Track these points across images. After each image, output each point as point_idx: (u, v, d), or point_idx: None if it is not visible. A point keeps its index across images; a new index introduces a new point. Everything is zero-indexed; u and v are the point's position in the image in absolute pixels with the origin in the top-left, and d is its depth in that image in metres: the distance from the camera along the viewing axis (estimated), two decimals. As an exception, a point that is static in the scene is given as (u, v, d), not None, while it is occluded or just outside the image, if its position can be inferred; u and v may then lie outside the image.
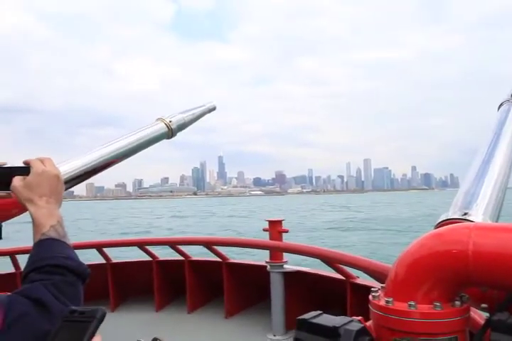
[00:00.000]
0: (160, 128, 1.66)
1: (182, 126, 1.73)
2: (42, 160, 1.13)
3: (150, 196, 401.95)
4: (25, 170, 1.10)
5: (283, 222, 3.73)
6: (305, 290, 3.76)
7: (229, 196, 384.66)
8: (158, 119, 1.69)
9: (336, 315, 0.87)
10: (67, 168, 1.32)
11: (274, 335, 3.64)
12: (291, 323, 3.63)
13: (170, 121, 1.68)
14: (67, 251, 1.04)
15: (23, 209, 1.09)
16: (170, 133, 1.69)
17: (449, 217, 1.04)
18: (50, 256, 1.00)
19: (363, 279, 3.19)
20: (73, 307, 0.81)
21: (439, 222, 1.04)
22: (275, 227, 3.68)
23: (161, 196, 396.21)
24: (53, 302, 0.91)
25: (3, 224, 1.29)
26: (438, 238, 0.84)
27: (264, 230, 3.72)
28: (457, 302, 0.80)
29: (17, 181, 1.09)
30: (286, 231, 3.67)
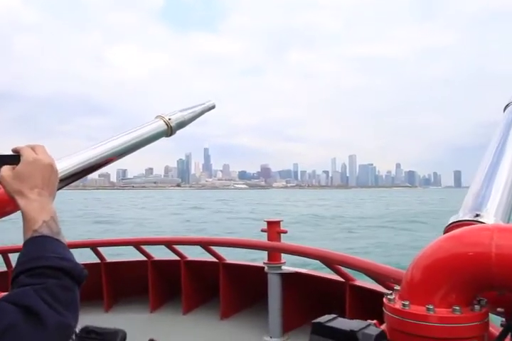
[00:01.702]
0: (159, 125, 1.63)
1: (181, 124, 1.71)
2: (33, 148, 1.01)
3: (133, 187, 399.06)
4: (14, 158, 0.99)
5: (281, 222, 3.67)
6: (303, 292, 3.71)
7: (213, 189, 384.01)
8: (157, 117, 1.66)
9: None
10: (65, 164, 1.27)
11: (271, 337, 3.60)
12: (288, 325, 3.61)
13: (169, 119, 1.65)
14: (62, 251, 0.91)
15: (18, 206, 0.97)
16: (169, 131, 1.66)
17: (459, 219, 1.01)
18: (43, 256, 0.87)
19: (363, 281, 3.16)
20: (90, 327, 0.73)
21: (449, 224, 1.02)
22: (273, 228, 3.62)
23: (144, 187, 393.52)
24: (46, 310, 0.78)
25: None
26: (458, 240, 0.81)
27: (262, 230, 3.66)
28: (476, 307, 0.78)
29: (5, 171, 0.98)
30: (285, 232, 3.62)
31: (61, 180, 1.14)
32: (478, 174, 1.19)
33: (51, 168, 1.01)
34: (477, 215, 1.01)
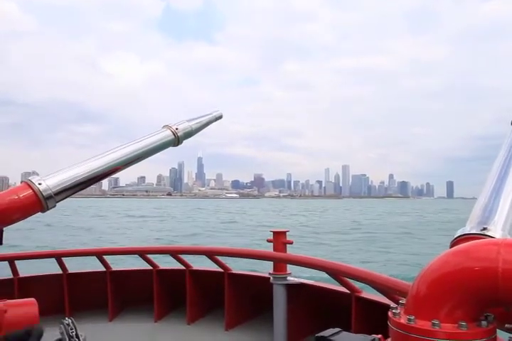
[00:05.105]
0: (166, 135, 1.66)
1: (188, 134, 1.74)
2: None
3: (123, 195, 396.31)
4: None
5: (287, 233, 3.64)
6: (308, 303, 3.67)
7: (204, 198, 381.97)
8: (164, 126, 1.69)
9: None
10: (72, 173, 1.29)
11: None
12: (293, 337, 3.56)
13: (176, 129, 1.69)
14: None
15: (25, 213, 0.98)
16: (176, 140, 1.69)
17: (466, 232, 1.00)
18: None
19: (369, 293, 3.13)
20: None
21: (456, 237, 1.01)
22: (279, 238, 3.59)
23: (134, 195, 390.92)
24: None
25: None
26: (464, 254, 0.80)
27: (268, 241, 3.62)
28: (483, 322, 0.76)
29: None
30: (291, 243, 3.58)
31: (70, 188, 1.23)
32: (485, 186, 1.18)
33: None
34: (484, 229, 1.00)
